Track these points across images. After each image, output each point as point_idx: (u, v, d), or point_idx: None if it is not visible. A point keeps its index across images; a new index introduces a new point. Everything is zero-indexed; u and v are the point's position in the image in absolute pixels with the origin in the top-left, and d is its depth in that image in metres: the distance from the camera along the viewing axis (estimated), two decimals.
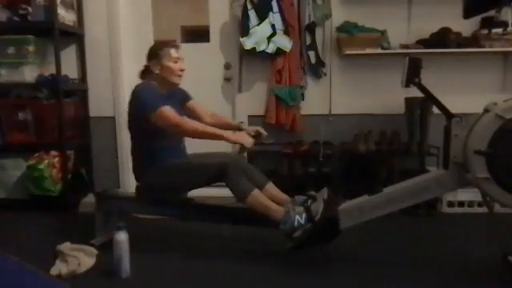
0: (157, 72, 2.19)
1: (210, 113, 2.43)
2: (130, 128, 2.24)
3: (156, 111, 2.05)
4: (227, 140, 2.06)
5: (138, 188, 2.30)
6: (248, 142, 2.07)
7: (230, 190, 2.06)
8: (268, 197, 2.09)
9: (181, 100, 2.34)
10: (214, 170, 2.08)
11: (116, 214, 2.34)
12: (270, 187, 2.19)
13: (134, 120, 2.19)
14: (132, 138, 2.26)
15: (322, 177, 2.93)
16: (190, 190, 2.30)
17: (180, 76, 2.23)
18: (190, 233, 2.55)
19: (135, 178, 2.30)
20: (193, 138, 2.15)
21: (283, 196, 2.15)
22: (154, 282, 1.96)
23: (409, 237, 2.50)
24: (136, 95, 2.14)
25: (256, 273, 2.02)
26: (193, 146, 2.39)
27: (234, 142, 2.10)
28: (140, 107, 2.10)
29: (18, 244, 2.36)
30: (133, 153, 2.27)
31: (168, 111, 2.07)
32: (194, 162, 2.21)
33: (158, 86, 2.19)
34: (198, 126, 2.11)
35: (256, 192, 2.04)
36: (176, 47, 2.23)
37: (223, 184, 2.07)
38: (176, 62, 2.19)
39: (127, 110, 2.21)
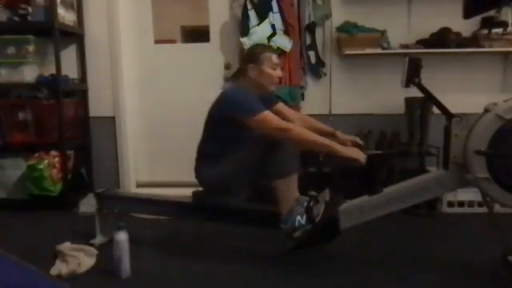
0: (253, 76, 2.10)
1: (299, 115, 2.34)
2: (210, 128, 2.15)
3: (256, 116, 1.93)
4: (338, 154, 1.86)
5: (195, 194, 2.25)
6: (362, 157, 1.88)
7: (273, 161, 1.92)
8: None
9: (269, 103, 2.20)
10: (266, 141, 1.93)
11: (116, 214, 2.34)
12: (294, 179, 2.02)
13: (221, 122, 2.07)
14: (207, 139, 2.17)
15: (323, 177, 2.92)
16: (251, 176, 2.07)
17: (276, 83, 2.16)
18: (190, 233, 2.55)
19: (197, 178, 2.19)
20: (297, 145, 1.95)
21: (296, 194, 2.05)
22: (154, 282, 1.96)
23: (409, 237, 2.50)
24: (232, 98, 2.05)
25: (256, 273, 2.01)
26: None
27: (347, 158, 1.87)
28: (235, 110, 1.99)
29: (18, 244, 2.35)
30: (203, 153, 2.18)
31: (271, 116, 1.95)
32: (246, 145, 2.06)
33: (251, 90, 2.10)
34: (306, 134, 1.92)
35: (290, 180, 1.95)
36: (276, 53, 2.17)
37: None
38: (275, 69, 2.12)
39: (212, 110, 2.12)
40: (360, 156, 1.89)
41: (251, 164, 2.02)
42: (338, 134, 2.24)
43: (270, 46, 2.20)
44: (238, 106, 1.99)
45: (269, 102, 2.22)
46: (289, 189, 1.98)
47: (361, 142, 2.20)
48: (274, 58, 2.12)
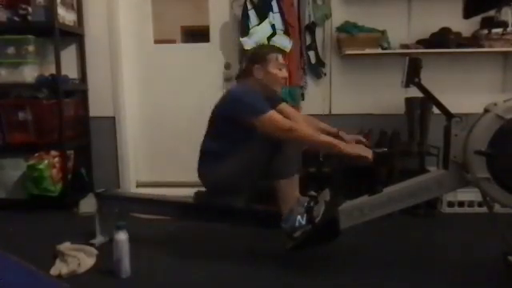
0: (259, 77, 2.09)
1: (302, 116, 2.33)
2: (214, 127, 2.12)
3: (261, 116, 1.90)
4: (344, 152, 1.84)
5: (198, 194, 2.22)
6: (370, 154, 1.85)
7: (276, 161, 1.92)
8: None
9: (274, 103, 2.17)
10: (269, 142, 1.91)
11: (116, 214, 2.34)
12: (296, 179, 2.03)
13: (226, 121, 2.04)
14: (211, 138, 2.13)
15: (323, 177, 2.93)
16: (255, 177, 2.05)
17: (281, 84, 2.15)
18: (190, 233, 2.55)
19: (200, 177, 2.15)
20: (302, 144, 1.98)
21: (297, 194, 2.05)
22: (154, 282, 1.96)
23: (409, 237, 2.50)
24: (237, 97, 2.02)
25: (256, 273, 2.02)
26: None
27: (353, 156, 1.84)
28: (241, 110, 1.96)
29: (18, 244, 2.35)
30: (206, 152, 2.14)
31: (276, 116, 1.93)
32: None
33: (256, 90, 2.08)
34: (311, 134, 1.91)
35: (293, 180, 1.95)
36: (283, 53, 2.14)
37: None
38: (281, 70, 2.11)
39: (217, 109, 2.10)
40: (367, 153, 1.86)
41: (254, 165, 2.01)
42: (342, 133, 2.22)
43: (276, 46, 2.19)
44: (244, 105, 1.97)
45: (274, 102, 2.19)
46: (291, 189, 1.98)
47: (364, 140, 2.19)
48: (280, 58, 2.12)
